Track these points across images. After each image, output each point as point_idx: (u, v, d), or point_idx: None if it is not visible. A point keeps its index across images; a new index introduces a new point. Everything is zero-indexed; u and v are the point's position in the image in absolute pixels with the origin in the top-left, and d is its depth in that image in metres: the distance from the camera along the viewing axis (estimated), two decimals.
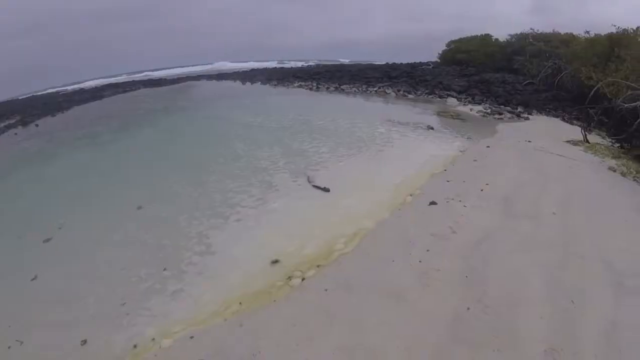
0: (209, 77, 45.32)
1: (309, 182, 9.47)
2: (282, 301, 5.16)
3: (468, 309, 4.76)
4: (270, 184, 9.65)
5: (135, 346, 4.71)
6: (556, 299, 4.87)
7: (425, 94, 25.13)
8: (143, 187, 9.92)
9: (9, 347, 4.90)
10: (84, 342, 4.86)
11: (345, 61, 62.14)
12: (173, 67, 66.37)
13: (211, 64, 72.72)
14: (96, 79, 57.16)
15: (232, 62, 73.68)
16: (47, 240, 7.57)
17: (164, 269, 6.31)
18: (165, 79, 44.57)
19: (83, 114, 24.65)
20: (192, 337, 4.67)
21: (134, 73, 61.26)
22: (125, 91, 35.25)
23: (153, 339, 4.78)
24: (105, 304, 5.55)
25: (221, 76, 44.72)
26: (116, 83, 44.82)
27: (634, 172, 10.22)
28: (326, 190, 8.91)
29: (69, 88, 48.75)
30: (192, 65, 69.62)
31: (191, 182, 9.97)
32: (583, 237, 6.40)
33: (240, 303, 5.26)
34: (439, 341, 4.28)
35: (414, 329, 4.46)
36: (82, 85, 50.19)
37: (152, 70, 63.86)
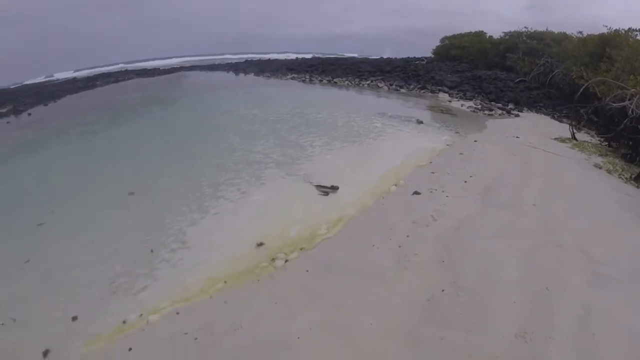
0: (201, 67, 45.08)
1: (311, 183, 9.09)
2: (265, 280, 5.40)
3: (443, 291, 5.03)
4: (260, 177, 9.70)
5: (124, 322, 4.90)
6: (530, 285, 5.14)
7: (418, 88, 25.33)
8: (135, 175, 10.04)
9: (2, 324, 5.05)
10: (75, 318, 5.03)
11: (343, 54, 62.06)
12: (165, 58, 65.83)
13: (203, 54, 72.35)
14: (89, 68, 56.54)
15: (225, 53, 73.26)
16: (41, 224, 7.68)
17: (151, 251, 6.49)
18: (158, 69, 44.28)
19: (75, 103, 24.50)
20: (178, 313, 4.89)
21: (127, 63, 60.62)
22: (117, 81, 34.96)
23: (141, 315, 4.97)
24: (95, 284, 5.71)
25: (214, 67, 44.54)
26: (109, 72, 44.39)
27: (620, 170, 10.50)
28: (334, 188, 8.55)
29: (61, 77, 48.13)
30: (186, 56, 69.31)
31: (182, 171, 10.11)
32: (562, 228, 6.71)
33: (225, 282, 5.48)
34: (413, 320, 4.54)
35: (390, 308, 4.73)
36: (74, 75, 49.63)
37: (145, 61, 63.22)
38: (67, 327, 4.89)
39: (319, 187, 8.67)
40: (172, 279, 5.74)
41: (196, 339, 4.40)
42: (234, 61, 50.32)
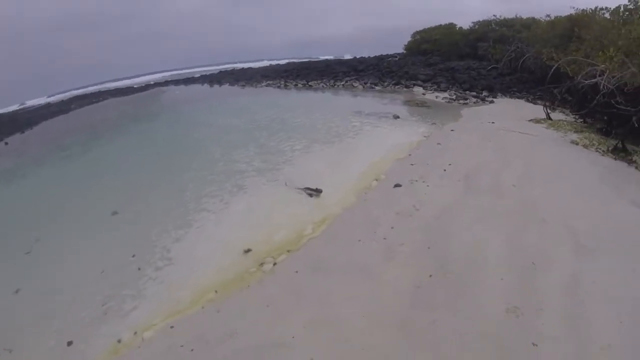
0: (176, 82, 44.91)
1: (296, 187, 9.02)
2: (255, 285, 5.49)
3: (430, 276, 5.18)
4: (242, 186, 9.70)
5: (119, 341, 4.92)
6: (517, 261, 5.31)
7: (392, 84, 25.74)
8: (118, 194, 10.00)
9: None
10: (70, 343, 5.04)
11: (318, 57, 62.33)
12: (139, 75, 65.23)
13: (178, 69, 71.85)
14: (62, 92, 55.58)
15: (199, 66, 72.90)
16: (27, 252, 7.61)
17: (139, 269, 6.51)
18: (132, 87, 44.00)
19: (53, 128, 24.25)
20: (172, 327, 4.93)
21: (101, 84, 59.83)
22: (92, 102, 34.65)
23: (135, 333, 5.00)
24: (86, 307, 5.71)
25: (189, 80, 44.50)
26: (83, 95, 43.87)
27: (596, 144, 10.87)
28: (318, 191, 8.47)
29: (35, 104, 47.26)
30: (160, 72, 68.73)
31: (165, 187, 10.11)
32: (543, 205, 6.93)
33: (216, 291, 5.55)
34: (402, 308, 4.68)
35: (379, 300, 4.85)
36: (48, 100, 48.79)
37: (119, 80, 62.56)
38: (63, 353, 4.90)
39: (305, 189, 8.66)
40: (162, 294, 5.77)
41: (192, 350, 4.44)
42: (208, 73, 50.18)
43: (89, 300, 5.84)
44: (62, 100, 41.17)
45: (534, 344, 3.93)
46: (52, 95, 54.81)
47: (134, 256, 6.87)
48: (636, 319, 4.14)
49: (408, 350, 4.02)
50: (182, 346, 4.52)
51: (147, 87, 43.36)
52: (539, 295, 4.65)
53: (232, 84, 35.92)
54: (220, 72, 49.70)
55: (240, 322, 4.74)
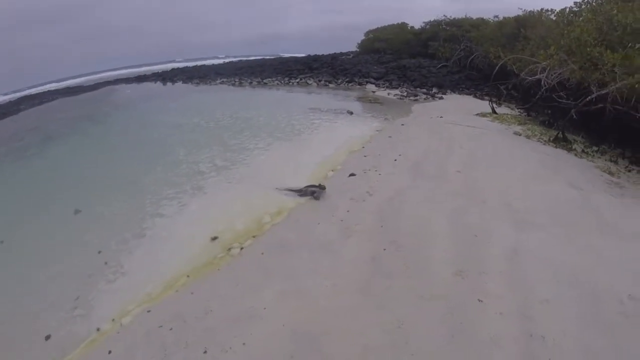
0: (127, 80, 43.28)
1: (287, 188, 8.80)
2: (225, 268, 5.95)
3: (384, 249, 5.86)
4: (203, 184, 9.83)
5: (98, 329, 5.14)
6: (460, 235, 6.06)
7: (346, 82, 26.60)
8: (79, 193, 9.92)
9: None
10: (48, 337, 5.15)
11: (267, 56, 62.30)
12: (90, 74, 62.19)
13: (129, 67, 69.03)
14: (10, 93, 51.74)
15: (150, 64, 70.47)
16: None
17: (106, 263, 6.67)
18: (83, 86, 41.85)
19: (1, 130, 22.81)
20: (149, 311, 5.24)
21: (49, 83, 56.26)
22: (43, 102, 32.71)
23: (113, 320, 5.24)
24: (59, 302, 5.82)
25: (140, 78, 43.01)
26: (33, 95, 41.26)
27: (539, 134, 12.08)
28: (322, 187, 8.20)
29: None
30: (110, 70, 65.71)
31: (127, 184, 10.17)
32: (485, 187, 7.80)
33: (188, 276, 5.93)
34: (361, 276, 5.30)
35: (340, 271, 5.47)
36: None
37: (70, 79, 59.15)
38: (43, 348, 5.00)
39: (307, 187, 8.40)
40: (133, 284, 6.01)
41: (171, 329, 4.75)
42: (160, 71, 48.57)
43: (61, 296, 5.94)
44: (10, 101, 38.54)
45: (479, 300, 4.57)
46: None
47: (100, 252, 7.00)
48: (570, 277, 4.88)
49: (368, 310, 4.63)
50: (160, 327, 4.83)
51: (97, 85, 41.39)
52: (482, 261, 5.31)
53: (185, 82, 35.42)
54: (173, 69, 48.43)
55: (214, 301, 5.15)
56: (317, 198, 7.95)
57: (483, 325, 4.20)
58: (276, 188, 8.80)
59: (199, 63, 55.69)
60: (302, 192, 8.30)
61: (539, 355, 3.80)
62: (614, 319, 4.20)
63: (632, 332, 4.01)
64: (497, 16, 25.83)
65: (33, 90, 47.90)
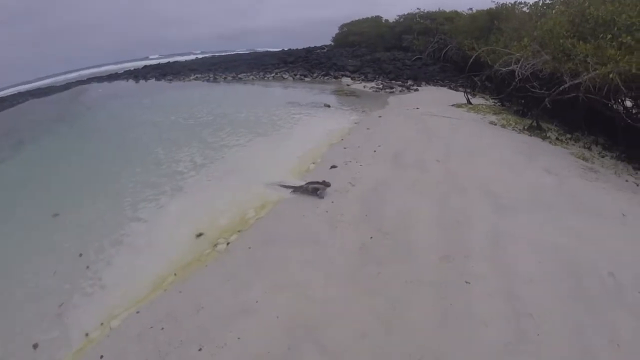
0: (99, 79, 41.71)
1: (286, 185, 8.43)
2: (212, 264, 5.93)
3: (371, 238, 5.99)
4: (181, 187, 9.54)
5: (87, 335, 5.03)
6: (443, 221, 6.26)
7: (321, 75, 26.69)
8: (56, 197, 9.62)
9: None
10: (36, 345, 5.01)
11: (242, 51, 61.50)
12: (60, 74, 59.69)
13: (98, 65, 66.68)
14: None
15: (121, 62, 68.33)
16: None
17: (87, 267, 6.51)
18: (53, 87, 40.04)
19: None
20: (138, 312, 5.17)
21: (18, 85, 53.45)
22: (13, 105, 31.19)
23: (102, 324, 5.15)
24: (44, 310, 5.65)
25: (112, 77, 41.53)
26: (2, 97, 39.32)
27: (513, 123, 12.47)
28: (327, 184, 7.71)
29: None
30: (80, 69, 63.25)
31: (107, 185, 9.94)
32: (465, 175, 8.04)
33: (175, 274, 5.89)
34: (351, 265, 5.41)
35: (329, 261, 5.56)
36: None
37: (39, 80, 56.46)
38: (31, 356, 4.88)
39: (309, 184, 7.89)
40: (119, 287, 5.89)
41: (163, 328, 4.71)
42: (132, 68, 47.09)
43: (44, 303, 5.78)
44: None
45: (466, 282, 4.78)
46: None
47: (81, 255, 6.83)
48: (552, 258, 5.13)
49: (360, 297, 4.75)
50: (152, 327, 4.77)
51: (69, 85, 39.62)
52: (466, 245, 5.52)
53: (158, 79, 34.56)
54: (145, 66, 46.93)
55: (204, 298, 5.14)
56: (321, 197, 7.51)
57: (472, 306, 4.40)
58: (268, 184, 8.59)
59: (173, 60, 54.22)
60: (302, 190, 7.82)
61: (528, 331, 4.02)
62: (597, 295, 4.47)
63: (614, 306, 4.29)
64: (471, 8, 26.22)
65: (2, 93, 45.53)
